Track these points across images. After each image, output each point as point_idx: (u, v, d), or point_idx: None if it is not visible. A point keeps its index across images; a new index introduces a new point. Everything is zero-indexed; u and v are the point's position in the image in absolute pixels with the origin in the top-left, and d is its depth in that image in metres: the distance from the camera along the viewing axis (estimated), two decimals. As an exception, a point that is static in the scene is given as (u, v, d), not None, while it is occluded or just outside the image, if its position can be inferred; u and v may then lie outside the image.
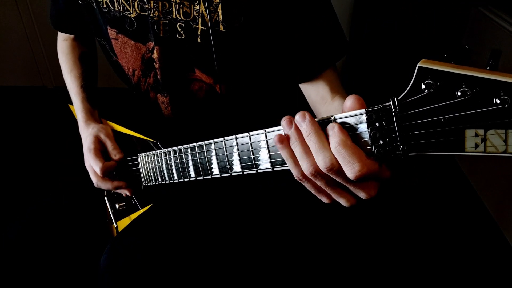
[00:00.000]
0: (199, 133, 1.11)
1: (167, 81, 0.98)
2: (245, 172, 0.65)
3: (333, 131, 0.47)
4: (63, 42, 1.16)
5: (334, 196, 0.54)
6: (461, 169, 2.29)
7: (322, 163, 0.48)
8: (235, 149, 0.66)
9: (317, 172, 0.50)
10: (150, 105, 1.08)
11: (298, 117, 0.51)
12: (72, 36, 1.15)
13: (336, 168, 0.47)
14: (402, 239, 1.87)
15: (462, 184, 2.21)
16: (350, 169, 0.45)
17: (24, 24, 2.78)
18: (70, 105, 1.24)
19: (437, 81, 0.39)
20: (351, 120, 0.46)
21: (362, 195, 0.51)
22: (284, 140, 0.53)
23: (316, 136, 0.49)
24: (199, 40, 0.88)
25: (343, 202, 0.54)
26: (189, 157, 0.78)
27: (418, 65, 0.40)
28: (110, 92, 1.82)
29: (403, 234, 1.90)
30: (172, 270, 1.03)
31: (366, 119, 0.43)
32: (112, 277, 1.00)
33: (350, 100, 0.47)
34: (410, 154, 0.41)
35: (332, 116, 0.48)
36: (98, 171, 0.97)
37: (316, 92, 0.89)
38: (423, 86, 0.39)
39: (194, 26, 0.87)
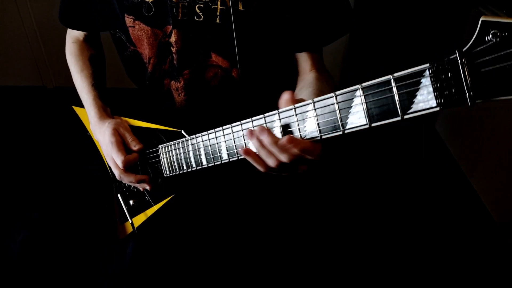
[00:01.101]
0: (211, 122, 1.12)
1: (183, 66, 0.99)
2: None
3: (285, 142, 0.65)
4: (72, 44, 1.15)
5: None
6: (461, 169, 2.32)
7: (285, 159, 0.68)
8: (277, 123, 0.67)
9: (281, 164, 0.69)
10: (162, 94, 1.08)
11: (258, 130, 0.69)
12: (81, 38, 1.14)
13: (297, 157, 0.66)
14: (402, 239, 1.88)
15: (462, 184, 2.24)
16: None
17: (24, 24, 2.77)
18: (74, 107, 1.22)
19: (502, 32, 0.41)
20: (412, 76, 0.48)
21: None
22: (250, 151, 0.72)
23: (273, 146, 0.67)
24: (217, 21, 0.90)
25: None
26: (222, 139, 0.79)
27: (481, 19, 0.43)
28: (119, 91, 1.80)
29: (403, 234, 1.90)
30: (196, 256, 1.05)
31: (432, 71, 0.45)
32: (139, 263, 1.01)
33: None
34: (476, 101, 0.43)
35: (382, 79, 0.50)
36: (120, 164, 0.96)
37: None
38: (489, 37, 0.42)
39: (213, 6, 0.89)
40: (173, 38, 0.95)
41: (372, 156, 2.45)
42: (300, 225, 1.96)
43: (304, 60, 1.01)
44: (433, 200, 2.13)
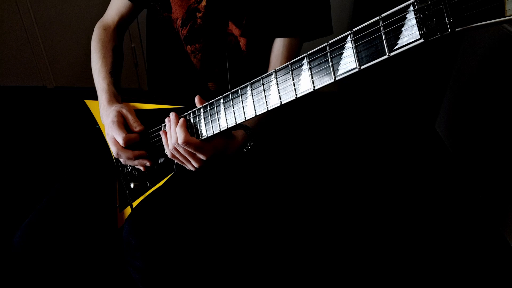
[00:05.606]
0: (219, 89, 1.17)
1: (205, 30, 1.08)
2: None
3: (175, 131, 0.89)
4: (103, 31, 1.20)
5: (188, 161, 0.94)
6: (460, 169, 2.31)
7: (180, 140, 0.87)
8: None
9: (177, 143, 0.89)
10: (179, 58, 1.15)
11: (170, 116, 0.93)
12: (112, 26, 1.20)
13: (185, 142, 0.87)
14: (401, 239, 1.87)
15: (462, 184, 2.22)
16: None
17: (24, 24, 2.81)
18: (86, 101, 1.26)
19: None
20: (398, 13, 0.51)
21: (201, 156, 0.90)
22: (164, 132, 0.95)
23: (173, 131, 0.90)
24: None
25: (191, 166, 0.95)
26: (222, 112, 0.84)
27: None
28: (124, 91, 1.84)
29: (402, 234, 1.90)
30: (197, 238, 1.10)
31: (416, 5, 0.48)
32: (137, 238, 1.04)
33: None
34: (456, 29, 0.46)
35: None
36: (120, 140, 1.00)
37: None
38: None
39: None
40: (203, 3, 1.05)
41: (371, 156, 2.45)
42: (299, 223, 1.98)
43: (273, 64, 1.08)
44: (433, 200, 2.12)
